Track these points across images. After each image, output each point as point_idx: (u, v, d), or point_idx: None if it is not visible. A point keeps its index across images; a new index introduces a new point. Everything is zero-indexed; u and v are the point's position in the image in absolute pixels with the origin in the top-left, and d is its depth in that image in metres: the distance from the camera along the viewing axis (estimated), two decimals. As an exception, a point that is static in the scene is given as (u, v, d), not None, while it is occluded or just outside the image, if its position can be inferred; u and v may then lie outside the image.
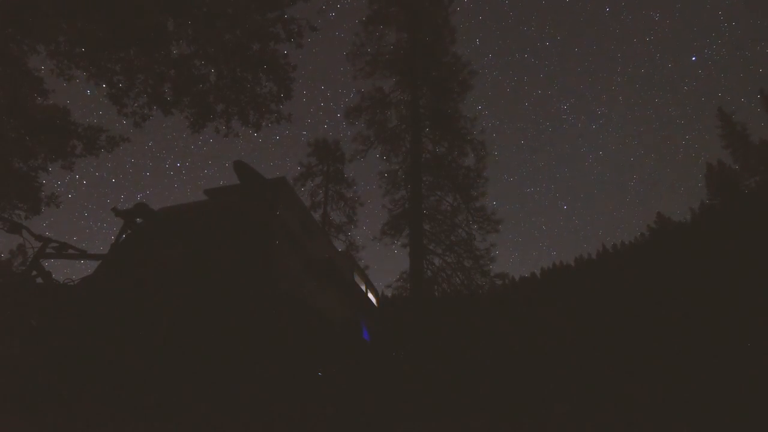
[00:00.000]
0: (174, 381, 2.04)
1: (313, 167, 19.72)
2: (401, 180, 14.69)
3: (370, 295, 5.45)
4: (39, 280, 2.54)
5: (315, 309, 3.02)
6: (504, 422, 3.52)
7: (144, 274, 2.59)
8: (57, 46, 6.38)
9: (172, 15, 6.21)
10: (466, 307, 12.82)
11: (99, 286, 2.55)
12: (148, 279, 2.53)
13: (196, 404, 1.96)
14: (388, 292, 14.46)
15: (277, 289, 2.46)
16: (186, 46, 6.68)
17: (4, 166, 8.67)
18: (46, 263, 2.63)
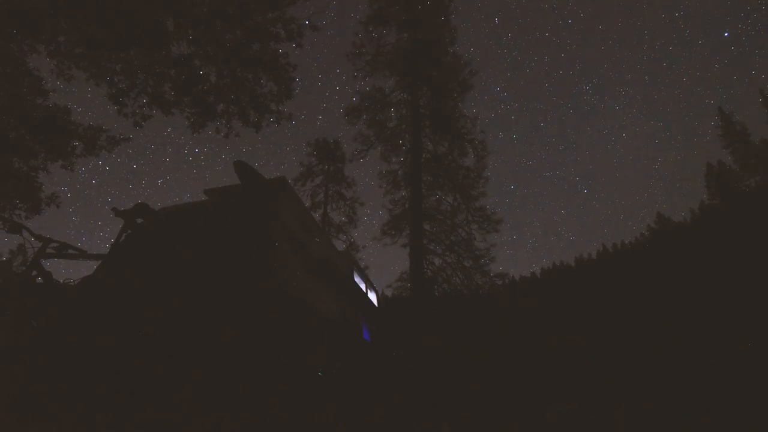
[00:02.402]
0: (174, 381, 2.04)
1: (313, 167, 19.74)
2: (401, 180, 14.70)
3: (370, 295, 5.44)
4: (39, 280, 2.54)
5: (315, 309, 3.02)
6: (504, 423, 3.51)
7: (144, 275, 2.58)
8: (57, 46, 6.38)
9: (172, 15, 6.21)
10: (466, 307, 12.82)
11: (99, 286, 2.55)
12: (148, 279, 2.53)
13: (196, 404, 1.96)
14: (388, 292, 14.47)
15: (277, 289, 2.46)
16: (186, 46, 6.68)
17: (4, 166, 8.66)
18: (46, 263, 2.63)
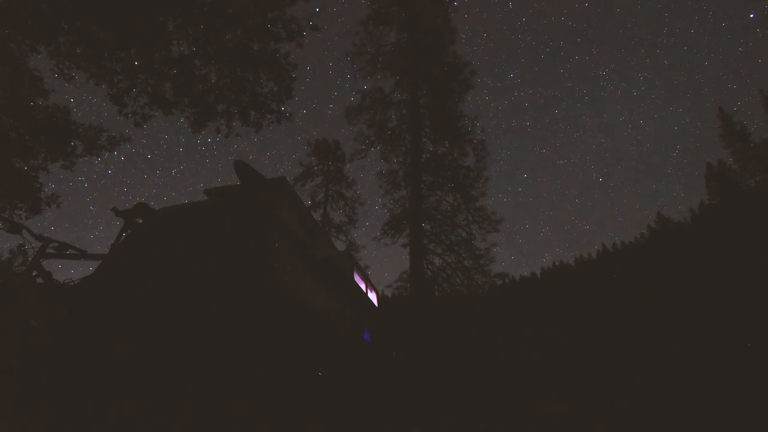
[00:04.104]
0: (174, 381, 2.04)
1: (314, 167, 19.75)
2: (401, 180, 14.69)
3: (371, 295, 5.44)
4: (39, 280, 2.54)
5: (315, 309, 3.02)
6: (504, 424, 3.51)
7: (144, 275, 2.58)
8: (57, 46, 6.38)
9: (172, 15, 6.20)
10: (467, 307, 12.82)
11: (99, 286, 2.55)
12: (147, 279, 2.53)
13: (197, 404, 1.96)
14: (388, 292, 14.47)
15: (277, 289, 2.46)
16: (186, 46, 6.68)
17: (4, 166, 8.66)
18: (45, 263, 2.63)
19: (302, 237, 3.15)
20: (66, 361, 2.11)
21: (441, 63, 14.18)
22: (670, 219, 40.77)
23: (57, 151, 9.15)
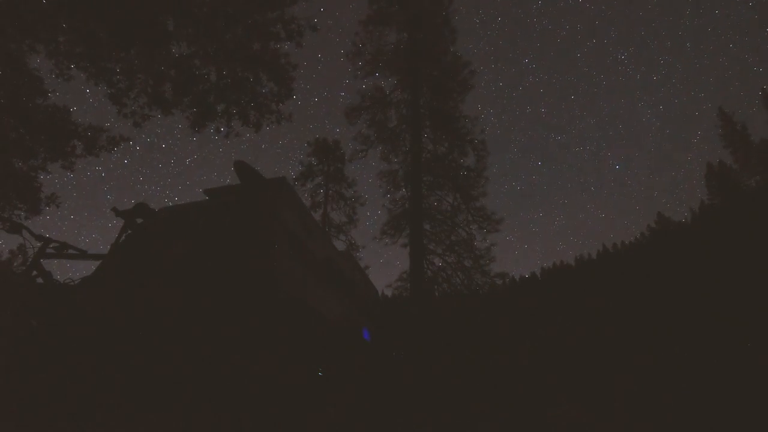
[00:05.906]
0: (174, 381, 2.04)
1: (314, 167, 19.74)
2: (401, 180, 14.69)
3: (370, 295, 5.44)
4: (39, 280, 2.54)
5: (315, 309, 3.02)
6: (504, 423, 3.51)
7: (144, 275, 2.58)
8: (57, 46, 6.37)
9: (172, 15, 6.20)
10: (467, 307, 12.82)
11: (99, 286, 2.55)
12: (148, 279, 2.53)
13: (197, 405, 1.96)
14: (388, 292, 14.49)
15: (278, 289, 2.46)
16: (186, 46, 6.67)
17: (4, 166, 8.66)
18: (46, 263, 2.63)
19: (302, 237, 3.15)
20: (66, 360, 2.11)
21: (441, 63, 14.18)
22: (670, 219, 40.79)
23: (57, 151, 9.14)
